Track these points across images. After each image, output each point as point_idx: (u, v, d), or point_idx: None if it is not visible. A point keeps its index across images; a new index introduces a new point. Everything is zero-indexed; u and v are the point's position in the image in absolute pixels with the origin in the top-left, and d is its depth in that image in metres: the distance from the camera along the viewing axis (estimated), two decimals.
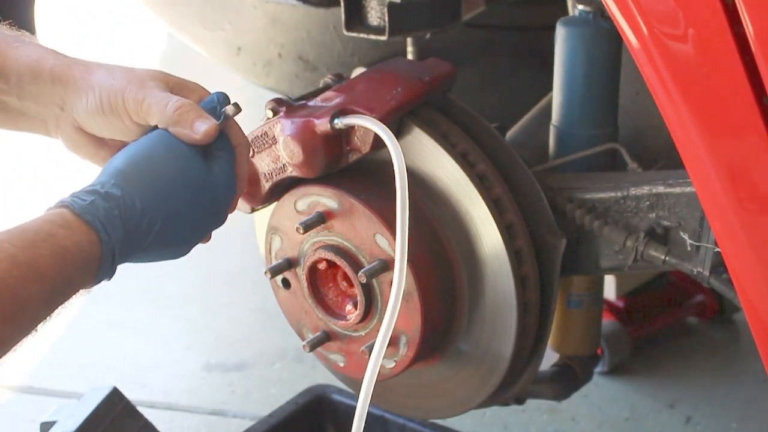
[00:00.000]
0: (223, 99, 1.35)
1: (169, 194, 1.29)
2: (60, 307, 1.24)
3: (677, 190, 1.61)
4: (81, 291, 1.26)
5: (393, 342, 1.59)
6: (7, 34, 1.41)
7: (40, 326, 1.23)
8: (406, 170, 1.42)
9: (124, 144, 1.36)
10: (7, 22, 1.45)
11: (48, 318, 1.23)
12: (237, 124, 1.38)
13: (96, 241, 1.23)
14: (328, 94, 1.58)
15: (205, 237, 1.37)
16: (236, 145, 1.36)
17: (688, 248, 1.61)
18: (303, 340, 1.69)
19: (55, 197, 1.26)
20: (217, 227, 1.37)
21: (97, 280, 1.26)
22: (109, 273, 1.27)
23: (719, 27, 1.25)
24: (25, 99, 1.38)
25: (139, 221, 1.26)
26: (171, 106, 1.31)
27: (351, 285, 1.63)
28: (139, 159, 1.30)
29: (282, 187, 1.62)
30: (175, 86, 1.35)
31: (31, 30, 2.15)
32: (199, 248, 1.38)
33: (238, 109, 1.35)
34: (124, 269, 1.32)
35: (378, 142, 1.51)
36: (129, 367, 2.72)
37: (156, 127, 1.33)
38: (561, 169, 1.79)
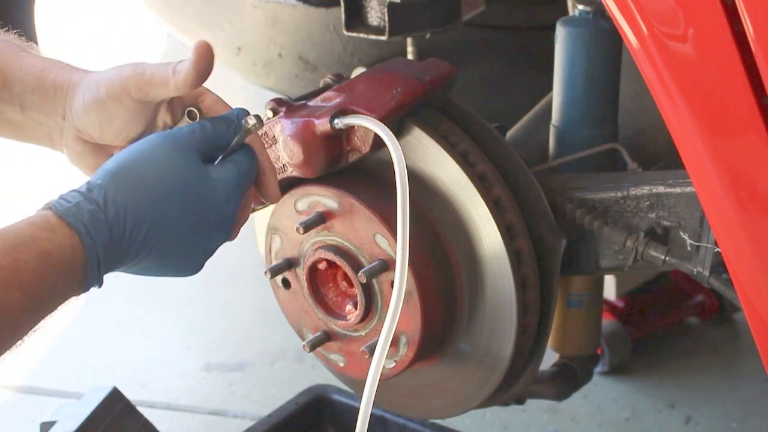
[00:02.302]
0: (243, 113, 1.32)
1: (156, 197, 1.23)
2: (47, 316, 1.19)
3: (677, 190, 1.61)
4: (69, 299, 1.21)
5: (393, 342, 1.59)
6: (14, 44, 1.40)
7: (25, 336, 1.17)
8: (407, 170, 1.42)
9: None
10: (15, 31, 1.43)
11: (33, 327, 1.18)
12: (261, 144, 1.35)
13: (79, 246, 1.18)
14: (328, 94, 1.58)
15: (209, 251, 1.31)
16: (260, 161, 1.34)
17: (688, 248, 1.61)
18: (303, 340, 1.69)
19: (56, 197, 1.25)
20: (221, 241, 1.31)
21: (84, 288, 1.21)
22: (96, 280, 1.22)
23: (719, 27, 1.25)
24: (29, 109, 1.36)
25: (123, 224, 1.21)
26: (173, 67, 1.30)
27: (351, 285, 1.63)
28: (130, 160, 1.25)
29: (282, 187, 1.62)
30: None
31: (31, 30, 2.15)
32: None
33: (259, 122, 1.30)
34: None
35: (378, 142, 1.51)
36: (129, 367, 2.72)
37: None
38: (561, 169, 1.79)
